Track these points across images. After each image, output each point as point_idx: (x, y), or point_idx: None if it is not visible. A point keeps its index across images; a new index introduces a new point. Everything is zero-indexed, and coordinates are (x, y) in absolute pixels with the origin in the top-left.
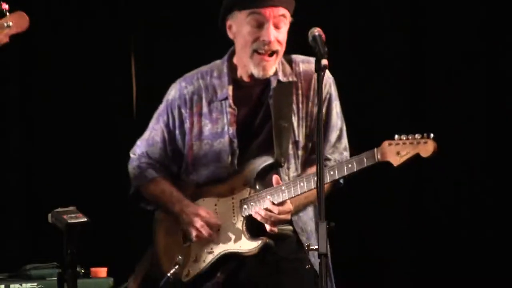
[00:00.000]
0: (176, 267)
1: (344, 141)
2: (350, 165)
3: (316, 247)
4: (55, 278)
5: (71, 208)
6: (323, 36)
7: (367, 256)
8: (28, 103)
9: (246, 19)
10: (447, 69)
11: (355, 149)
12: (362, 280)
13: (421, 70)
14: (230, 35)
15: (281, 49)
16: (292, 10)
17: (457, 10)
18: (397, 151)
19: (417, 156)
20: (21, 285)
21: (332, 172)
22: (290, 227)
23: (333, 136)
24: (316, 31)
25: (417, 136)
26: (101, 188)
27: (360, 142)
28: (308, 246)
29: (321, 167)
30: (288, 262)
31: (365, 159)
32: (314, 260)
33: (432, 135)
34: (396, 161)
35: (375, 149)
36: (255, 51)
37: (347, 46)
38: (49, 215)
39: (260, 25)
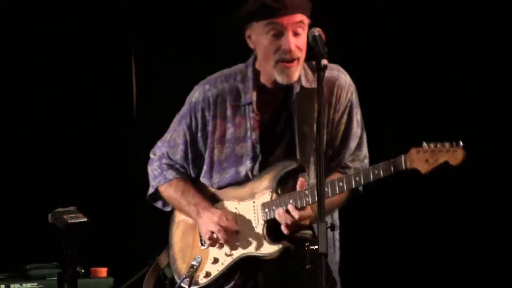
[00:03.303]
0: (193, 268)
1: (364, 149)
2: (376, 171)
3: (316, 247)
4: (55, 278)
5: (71, 208)
6: (323, 36)
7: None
8: (28, 103)
9: (265, 30)
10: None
11: None
12: None
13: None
14: (251, 45)
15: (302, 54)
16: (308, 13)
17: (457, 10)
18: (425, 158)
19: (445, 164)
20: (21, 285)
21: (357, 178)
22: (310, 232)
23: (352, 144)
24: (316, 31)
25: (446, 144)
26: (101, 188)
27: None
28: (308, 246)
29: (321, 166)
30: (304, 263)
31: (392, 166)
32: (333, 266)
33: (461, 143)
34: (424, 168)
35: (403, 156)
36: (278, 61)
37: (347, 46)
38: (49, 215)
39: (279, 35)
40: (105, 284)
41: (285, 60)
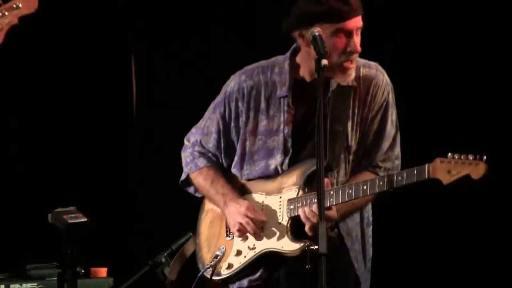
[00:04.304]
0: (217, 259)
1: (397, 150)
2: (400, 178)
3: (316, 247)
4: (55, 278)
5: (71, 208)
6: (323, 36)
7: None
8: (28, 103)
9: (332, 32)
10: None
11: None
12: None
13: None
14: (302, 43)
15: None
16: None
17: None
18: (448, 169)
19: (467, 177)
20: (21, 285)
21: (381, 183)
22: (336, 230)
23: (385, 144)
24: (316, 31)
25: (470, 156)
26: (101, 188)
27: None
28: (308, 246)
29: (321, 166)
30: (330, 265)
31: (415, 174)
32: (358, 266)
33: (484, 157)
34: (446, 179)
35: (427, 165)
36: (343, 61)
37: None
38: (49, 215)
39: (347, 36)
40: (105, 284)
41: (350, 60)
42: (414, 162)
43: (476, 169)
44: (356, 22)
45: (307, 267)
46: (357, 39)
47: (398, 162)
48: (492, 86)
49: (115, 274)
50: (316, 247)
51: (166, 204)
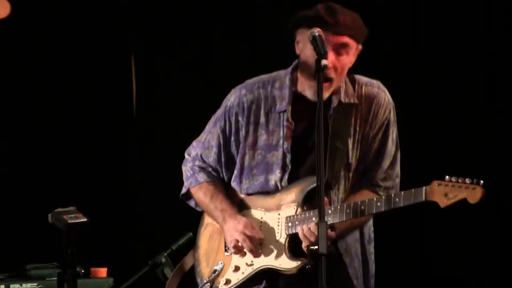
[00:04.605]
0: (215, 274)
1: (397, 168)
2: (397, 199)
3: (317, 247)
4: (55, 278)
5: (71, 208)
6: (324, 36)
7: None
8: (28, 102)
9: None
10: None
11: None
12: None
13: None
14: (297, 51)
15: (338, 77)
16: (362, 39)
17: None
18: (445, 192)
19: (464, 201)
20: (21, 285)
21: (379, 204)
22: (333, 248)
23: (386, 162)
24: (317, 31)
25: (467, 180)
26: (101, 188)
27: None
28: (308, 246)
29: (321, 163)
30: (328, 281)
31: (413, 196)
32: (357, 282)
33: (481, 181)
34: (443, 202)
35: (424, 188)
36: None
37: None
38: (49, 215)
39: None
40: (105, 284)
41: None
42: (412, 170)
43: (473, 194)
44: (336, 39)
45: (307, 267)
46: (333, 57)
47: (398, 181)
48: (492, 86)
49: (115, 274)
50: (317, 247)
51: (166, 204)
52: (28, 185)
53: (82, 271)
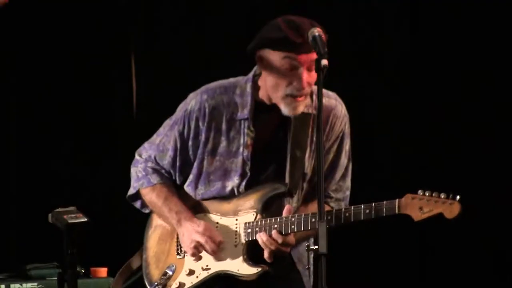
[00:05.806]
0: (166, 276)
1: (348, 180)
2: (368, 211)
3: (316, 247)
4: (55, 278)
5: (71, 208)
6: (323, 36)
7: None
8: (29, 102)
9: (281, 61)
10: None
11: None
12: None
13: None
14: (259, 66)
15: (311, 88)
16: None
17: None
18: (420, 206)
19: (439, 215)
20: (21, 285)
21: (347, 214)
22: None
23: (338, 174)
24: (316, 31)
25: (442, 195)
26: (101, 188)
27: (358, 140)
28: (308, 246)
29: (321, 163)
30: (281, 281)
31: (384, 209)
32: (306, 280)
33: (458, 197)
34: (417, 216)
35: (397, 200)
36: (288, 95)
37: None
38: (49, 215)
39: (293, 69)
40: (105, 284)
41: (296, 95)
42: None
43: (450, 209)
44: (308, 58)
45: (307, 267)
46: (306, 75)
47: (348, 193)
48: (492, 87)
49: (115, 274)
50: (317, 247)
51: None
52: (28, 185)
53: (82, 271)
